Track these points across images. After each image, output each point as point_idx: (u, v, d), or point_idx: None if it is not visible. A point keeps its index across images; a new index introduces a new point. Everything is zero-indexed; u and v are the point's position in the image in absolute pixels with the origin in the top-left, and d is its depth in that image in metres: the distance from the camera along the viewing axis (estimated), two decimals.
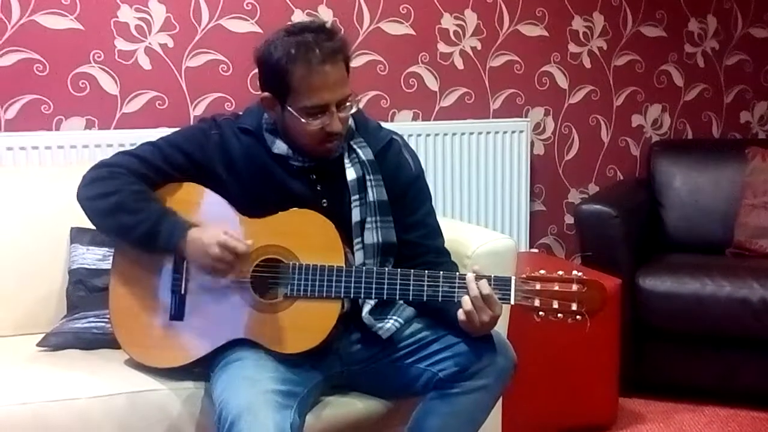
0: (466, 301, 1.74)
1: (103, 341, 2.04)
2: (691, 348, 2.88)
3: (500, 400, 2.12)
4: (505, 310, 2.21)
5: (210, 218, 1.86)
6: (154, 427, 1.84)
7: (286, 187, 1.88)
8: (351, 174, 1.88)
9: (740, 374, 2.85)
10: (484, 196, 3.19)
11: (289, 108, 1.80)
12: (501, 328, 2.12)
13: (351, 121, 1.91)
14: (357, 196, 1.88)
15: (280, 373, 1.75)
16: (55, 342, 2.06)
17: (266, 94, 1.84)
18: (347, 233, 1.87)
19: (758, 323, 2.77)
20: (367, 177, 1.88)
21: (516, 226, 3.25)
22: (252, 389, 1.68)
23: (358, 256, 1.87)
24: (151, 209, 1.83)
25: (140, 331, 1.89)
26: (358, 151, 1.90)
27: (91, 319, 2.11)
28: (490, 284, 1.74)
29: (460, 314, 1.75)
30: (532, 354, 2.40)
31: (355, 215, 1.88)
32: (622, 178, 3.54)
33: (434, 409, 1.84)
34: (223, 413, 1.67)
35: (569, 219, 3.41)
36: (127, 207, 1.82)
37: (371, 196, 1.88)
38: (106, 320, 2.08)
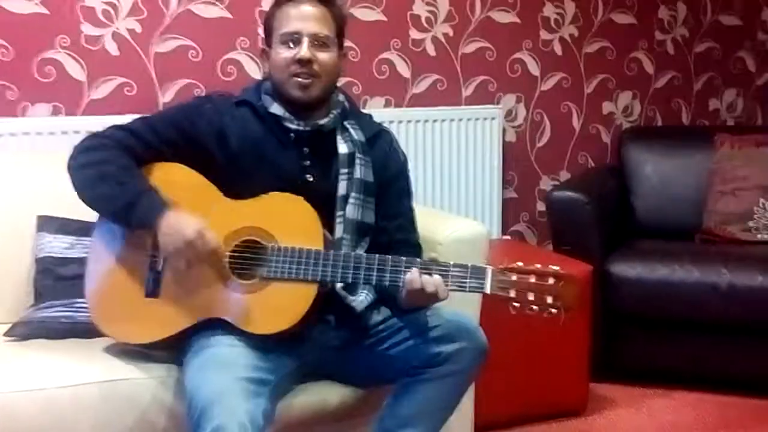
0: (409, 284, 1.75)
1: (72, 331, 2.02)
2: (661, 333, 2.90)
3: (472, 386, 2.14)
4: (478, 297, 2.21)
5: (193, 199, 1.85)
6: (124, 417, 1.82)
7: (275, 162, 1.89)
8: (343, 149, 1.92)
9: (709, 359, 2.88)
10: (456, 183, 3.19)
11: (272, 48, 1.89)
12: (473, 314, 2.13)
13: (346, 103, 1.97)
14: (345, 170, 1.91)
15: (253, 360, 1.74)
16: (22, 332, 2.03)
17: (263, 48, 1.96)
18: (329, 209, 1.88)
19: (726, 308, 2.80)
20: (357, 155, 1.92)
21: (488, 213, 3.26)
22: (224, 376, 1.67)
23: (338, 230, 1.88)
24: (134, 183, 1.82)
25: (115, 307, 1.88)
26: (351, 131, 1.95)
27: (59, 309, 2.08)
28: (465, 274, 1.74)
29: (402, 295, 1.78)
30: (504, 341, 2.40)
31: (341, 188, 1.90)
32: (593, 165, 3.56)
33: (407, 395, 1.84)
34: (193, 400, 1.66)
35: (541, 206, 3.42)
36: (111, 178, 1.81)
37: (358, 173, 1.91)
38: (74, 309, 2.06)
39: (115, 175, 1.81)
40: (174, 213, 1.79)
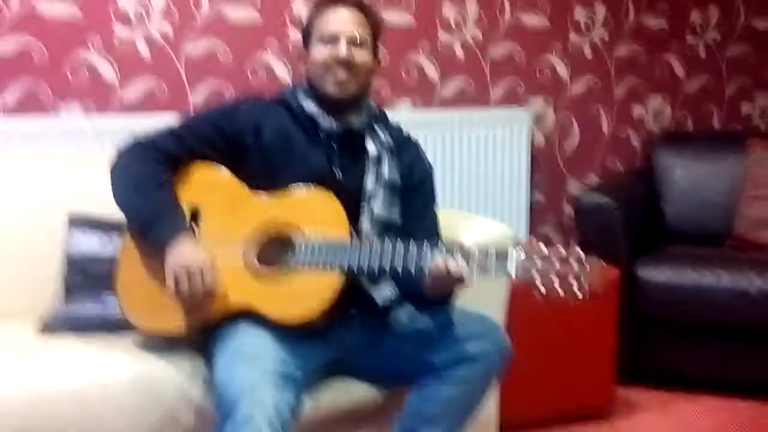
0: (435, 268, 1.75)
1: (102, 326, 2.04)
2: (689, 338, 2.88)
3: (498, 388, 2.13)
4: (503, 298, 2.21)
5: (224, 195, 1.95)
6: (151, 411, 1.83)
7: (304, 158, 1.96)
8: (372, 148, 1.99)
9: (737, 364, 2.85)
10: (483, 185, 3.19)
11: (310, 48, 1.99)
12: (498, 316, 2.13)
13: (376, 109, 2.05)
14: (373, 168, 1.97)
15: (281, 354, 1.75)
16: (53, 327, 2.06)
17: (302, 50, 2.04)
18: (356, 205, 1.93)
19: (756, 314, 2.77)
20: (385, 155, 1.99)
21: (515, 217, 3.25)
22: (253, 369, 1.69)
23: (365, 224, 1.93)
24: (160, 199, 1.89)
25: (144, 295, 1.91)
26: (380, 133, 2.01)
27: (89, 305, 2.11)
28: (489, 258, 1.74)
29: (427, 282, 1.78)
30: (531, 342, 2.41)
31: (369, 184, 1.96)
32: (622, 169, 3.54)
33: (429, 395, 1.84)
34: (223, 392, 1.68)
35: (569, 210, 3.41)
36: (141, 189, 1.89)
37: (386, 172, 1.97)
38: (104, 305, 2.09)
39: (146, 187, 1.89)
40: (189, 242, 1.84)
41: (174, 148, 1.95)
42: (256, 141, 1.97)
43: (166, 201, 1.89)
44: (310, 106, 1.99)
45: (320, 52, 1.96)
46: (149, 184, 1.90)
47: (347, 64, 1.94)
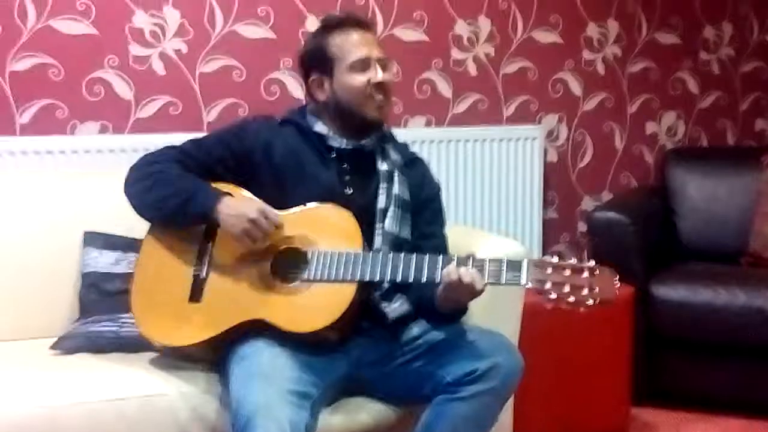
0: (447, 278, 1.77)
1: (116, 345, 2.05)
2: (705, 357, 2.85)
3: (511, 406, 2.12)
4: (517, 316, 2.20)
5: None
6: (165, 430, 1.84)
7: (315, 176, 1.97)
8: (383, 166, 2.01)
9: (754, 384, 2.82)
10: (497, 202, 3.18)
11: (336, 75, 1.96)
12: (512, 334, 2.12)
13: (385, 128, 2.05)
14: (384, 185, 1.98)
15: (296, 372, 1.76)
16: (67, 345, 2.07)
17: (313, 77, 2.00)
18: (368, 223, 1.93)
19: None
20: (396, 173, 2.00)
21: (528, 234, 3.24)
22: (268, 388, 1.70)
23: (377, 241, 1.94)
24: (189, 180, 1.92)
25: (157, 309, 1.92)
26: (390, 152, 2.03)
27: (104, 323, 2.12)
28: (501, 267, 1.75)
29: (439, 292, 1.81)
30: (545, 361, 2.39)
31: (381, 202, 1.97)
32: (636, 185, 3.53)
33: (442, 413, 1.83)
34: (239, 410, 1.69)
35: (582, 227, 3.39)
36: (166, 181, 1.92)
37: (397, 189, 1.98)
38: (119, 324, 2.10)
39: (170, 178, 1.92)
40: (232, 197, 1.89)
41: (185, 161, 1.97)
42: (266, 160, 1.98)
43: (195, 181, 1.92)
44: (319, 127, 2.01)
45: (356, 80, 1.95)
46: (169, 176, 1.92)
47: (384, 86, 1.96)
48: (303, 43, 2.08)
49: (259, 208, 1.85)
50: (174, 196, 1.90)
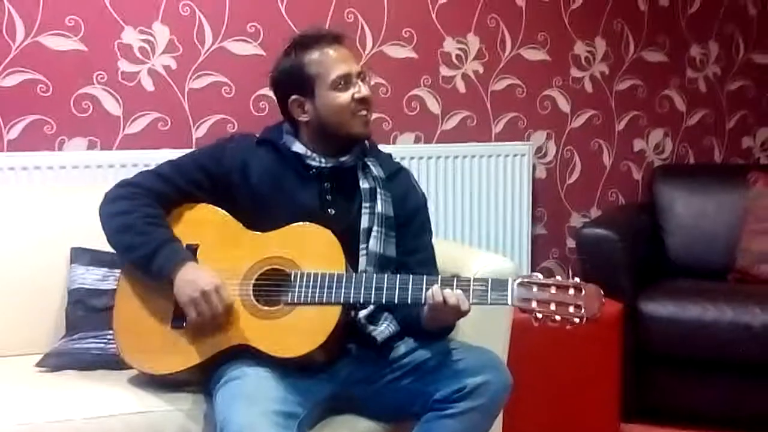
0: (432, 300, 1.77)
1: (102, 362, 2.04)
2: (693, 373, 2.86)
3: (501, 423, 2.11)
4: (506, 333, 2.20)
5: (220, 234, 1.93)
6: None
7: (295, 196, 1.94)
8: (364, 184, 1.96)
9: (742, 400, 2.82)
10: (486, 219, 3.19)
11: (318, 95, 1.91)
12: (501, 350, 2.12)
13: (366, 141, 2.00)
14: (367, 204, 1.94)
15: (282, 392, 1.75)
16: (53, 362, 2.06)
17: (293, 97, 1.94)
18: (351, 243, 1.90)
19: (760, 349, 2.75)
20: (378, 190, 1.95)
21: (517, 250, 3.25)
22: (253, 409, 1.68)
23: (362, 262, 1.91)
24: (156, 234, 1.87)
25: (141, 337, 1.90)
26: (371, 167, 1.98)
27: (90, 340, 2.11)
28: (486, 287, 1.75)
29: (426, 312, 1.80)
30: (534, 377, 2.39)
31: (365, 222, 1.93)
32: (623, 202, 3.54)
33: (431, 430, 1.83)
34: (224, 430, 1.67)
35: (571, 243, 3.40)
36: (135, 228, 1.87)
37: (380, 207, 1.94)
38: (106, 341, 2.08)
39: (139, 226, 1.87)
40: (192, 265, 1.84)
41: (161, 187, 1.93)
42: (243, 181, 1.95)
43: (162, 235, 1.88)
44: (297, 146, 1.96)
45: (340, 98, 1.91)
46: (139, 221, 1.87)
47: (367, 100, 1.93)
48: (276, 62, 1.99)
49: (215, 283, 1.79)
50: (137, 248, 1.86)
